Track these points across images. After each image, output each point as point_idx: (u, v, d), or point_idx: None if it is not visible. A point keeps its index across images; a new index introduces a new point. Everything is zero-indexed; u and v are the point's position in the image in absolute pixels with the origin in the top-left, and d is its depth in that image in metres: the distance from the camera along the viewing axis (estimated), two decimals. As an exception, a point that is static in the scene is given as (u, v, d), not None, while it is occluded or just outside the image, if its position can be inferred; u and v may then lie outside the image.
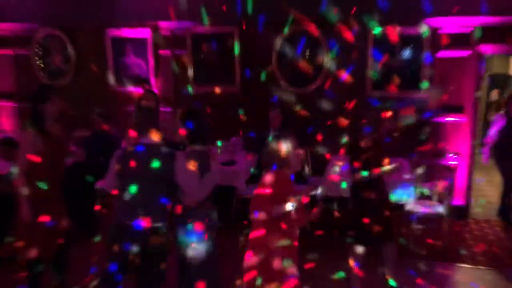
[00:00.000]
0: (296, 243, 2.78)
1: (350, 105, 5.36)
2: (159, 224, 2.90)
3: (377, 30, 5.77)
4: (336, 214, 4.38)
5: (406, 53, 5.83)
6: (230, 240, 4.39)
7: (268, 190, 2.60)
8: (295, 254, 2.79)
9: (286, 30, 6.06)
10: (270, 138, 2.91)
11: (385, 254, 3.98)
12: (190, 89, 6.48)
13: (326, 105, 6.01)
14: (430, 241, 5.12)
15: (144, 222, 2.85)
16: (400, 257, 4.39)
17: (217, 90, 6.15)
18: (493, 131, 5.78)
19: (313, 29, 5.95)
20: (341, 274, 3.99)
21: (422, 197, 5.37)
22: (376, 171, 3.73)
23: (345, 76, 5.97)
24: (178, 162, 2.92)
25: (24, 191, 3.33)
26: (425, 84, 4.80)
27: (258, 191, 2.69)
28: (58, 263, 3.66)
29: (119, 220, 2.93)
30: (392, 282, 4.01)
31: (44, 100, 3.44)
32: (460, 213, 5.88)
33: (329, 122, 5.55)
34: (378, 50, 5.86)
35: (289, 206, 2.61)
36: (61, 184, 3.61)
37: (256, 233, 2.71)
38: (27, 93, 3.86)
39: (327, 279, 4.14)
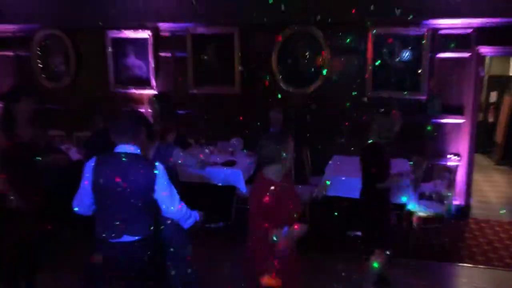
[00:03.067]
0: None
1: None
2: None
3: (377, 31, 5.78)
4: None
5: (406, 54, 5.85)
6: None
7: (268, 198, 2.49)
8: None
9: (286, 31, 6.07)
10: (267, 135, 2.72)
11: None
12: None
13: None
14: (430, 241, 5.13)
15: None
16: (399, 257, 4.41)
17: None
18: None
19: (313, 29, 5.97)
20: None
21: (422, 197, 5.38)
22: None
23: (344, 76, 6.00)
24: None
25: None
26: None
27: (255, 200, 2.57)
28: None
29: None
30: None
31: (14, 101, 3.25)
32: (460, 213, 5.89)
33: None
34: (378, 51, 5.87)
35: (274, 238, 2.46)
36: (35, 190, 3.38)
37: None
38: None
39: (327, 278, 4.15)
